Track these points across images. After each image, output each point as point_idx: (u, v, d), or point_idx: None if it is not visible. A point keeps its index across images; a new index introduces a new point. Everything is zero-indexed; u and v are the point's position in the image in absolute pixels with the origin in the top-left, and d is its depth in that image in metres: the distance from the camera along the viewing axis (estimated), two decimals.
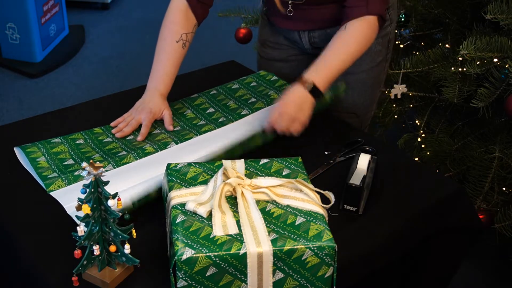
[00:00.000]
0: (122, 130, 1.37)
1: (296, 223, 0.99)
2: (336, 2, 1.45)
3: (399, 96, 2.03)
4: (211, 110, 1.51)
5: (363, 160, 1.22)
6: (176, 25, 1.47)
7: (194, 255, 0.91)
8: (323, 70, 1.37)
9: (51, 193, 1.18)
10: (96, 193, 0.92)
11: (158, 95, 1.41)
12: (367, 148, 1.34)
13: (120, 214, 0.93)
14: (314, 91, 1.34)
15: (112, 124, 1.39)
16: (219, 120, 1.46)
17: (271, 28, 1.68)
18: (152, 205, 1.16)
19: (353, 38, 1.39)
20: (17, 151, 1.30)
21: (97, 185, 0.92)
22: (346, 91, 1.59)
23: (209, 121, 1.46)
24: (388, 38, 1.61)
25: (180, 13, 1.47)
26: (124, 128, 1.37)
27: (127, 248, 0.96)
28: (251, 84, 1.62)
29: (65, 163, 1.27)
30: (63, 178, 1.21)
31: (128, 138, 1.38)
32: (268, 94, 1.56)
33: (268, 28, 1.70)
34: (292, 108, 1.32)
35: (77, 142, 1.34)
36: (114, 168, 1.26)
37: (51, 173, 1.23)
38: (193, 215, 0.99)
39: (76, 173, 1.22)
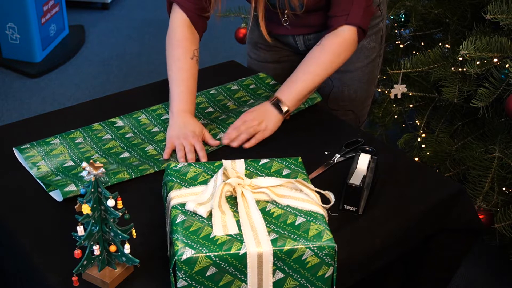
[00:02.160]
0: (188, 158, 1.29)
1: (296, 223, 0.99)
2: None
3: (399, 96, 2.03)
4: (211, 109, 1.51)
5: (363, 160, 1.22)
6: (187, 42, 1.42)
7: (194, 255, 0.91)
8: (291, 87, 1.39)
9: (50, 193, 1.18)
10: (96, 193, 0.92)
11: (190, 117, 1.36)
12: (367, 148, 1.34)
13: (120, 214, 0.93)
14: (277, 105, 1.37)
15: (166, 156, 1.30)
16: (220, 118, 1.46)
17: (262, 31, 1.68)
18: (152, 205, 1.16)
19: (326, 54, 1.39)
20: (16, 152, 1.30)
21: (97, 185, 0.92)
22: (343, 88, 1.60)
23: (209, 120, 1.46)
24: (381, 33, 1.63)
25: (186, 29, 1.43)
26: (187, 155, 1.29)
27: (127, 248, 0.96)
28: (251, 86, 1.62)
29: (65, 165, 1.27)
30: (66, 179, 1.21)
31: (127, 136, 1.38)
32: (268, 97, 1.57)
33: (259, 31, 1.69)
34: (253, 116, 1.36)
35: (76, 141, 1.34)
36: (118, 167, 1.26)
37: (54, 177, 1.22)
38: (193, 215, 0.99)
39: (80, 175, 1.22)
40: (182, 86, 1.39)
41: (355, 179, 1.17)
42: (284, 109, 1.37)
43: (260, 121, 1.36)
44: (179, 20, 1.43)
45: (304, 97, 1.41)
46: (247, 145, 1.34)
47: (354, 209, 1.17)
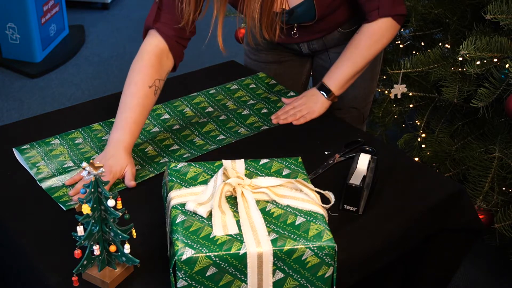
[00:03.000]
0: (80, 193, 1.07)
1: (296, 223, 0.99)
2: (337, 14, 1.48)
3: (399, 96, 2.03)
4: (210, 109, 1.51)
5: (363, 160, 1.22)
6: (151, 69, 1.30)
7: (194, 255, 0.91)
8: (334, 72, 1.48)
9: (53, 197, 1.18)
10: (96, 193, 0.92)
11: (121, 148, 1.23)
12: (367, 148, 1.34)
13: (120, 214, 0.93)
14: (324, 89, 1.48)
15: (67, 182, 1.21)
16: (220, 118, 1.46)
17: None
18: (152, 205, 1.16)
19: (364, 41, 1.45)
20: (16, 153, 1.30)
21: (97, 185, 0.92)
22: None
23: (210, 119, 1.46)
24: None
25: (154, 57, 1.32)
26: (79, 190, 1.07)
27: (127, 248, 0.96)
28: (250, 86, 1.62)
29: (65, 166, 1.27)
30: (67, 186, 1.20)
31: None
32: (267, 97, 1.57)
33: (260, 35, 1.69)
34: (302, 101, 1.49)
35: (76, 141, 1.34)
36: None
37: (55, 181, 1.22)
38: (193, 215, 0.99)
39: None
40: (128, 113, 1.26)
41: (355, 179, 1.17)
42: (329, 92, 1.47)
43: (308, 105, 1.48)
44: (150, 47, 1.34)
45: (348, 81, 1.48)
46: (296, 123, 1.46)
47: (354, 209, 1.17)
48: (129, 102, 1.27)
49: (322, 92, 1.48)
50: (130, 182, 1.21)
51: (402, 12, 1.44)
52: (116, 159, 1.21)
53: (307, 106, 1.48)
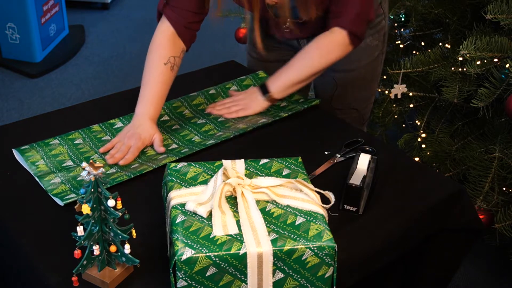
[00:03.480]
0: (114, 157, 1.29)
1: (296, 223, 0.99)
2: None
3: (399, 96, 2.03)
4: None
5: (363, 160, 1.22)
6: (163, 49, 1.42)
7: (194, 255, 0.91)
8: (279, 76, 1.47)
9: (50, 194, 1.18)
10: (96, 193, 0.92)
11: (147, 119, 1.35)
12: (367, 148, 1.34)
13: (120, 214, 0.93)
14: (265, 90, 1.46)
15: (101, 150, 1.32)
16: (219, 120, 1.46)
17: (262, 32, 1.67)
18: (152, 205, 1.16)
19: (315, 50, 1.44)
20: (16, 153, 1.30)
21: (97, 185, 0.92)
22: (346, 87, 1.60)
23: (208, 120, 1.46)
24: (383, 31, 1.63)
25: (166, 39, 1.43)
26: (115, 154, 1.30)
27: (127, 248, 0.96)
28: (250, 86, 1.62)
29: (64, 164, 1.27)
30: (66, 183, 1.21)
31: None
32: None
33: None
34: (241, 97, 1.50)
35: (76, 142, 1.34)
36: (116, 170, 1.26)
37: (54, 177, 1.22)
38: (193, 215, 0.99)
39: (78, 178, 1.22)
40: (148, 89, 1.39)
41: (355, 179, 1.17)
42: (267, 94, 1.46)
43: (245, 102, 1.48)
44: (162, 29, 1.44)
45: (291, 87, 1.46)
46: (227, 116, 1.46)
47: (354, 209, 1.17)
48: (148, 79, 1.40)
49: (261, 92, 1.47)
50: (160, 148, 1.33)
51: (361, 34, 1.42)
52: (144, 128, 1.33)
53: (244, 102, 1.48)
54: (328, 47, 1.43)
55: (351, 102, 1.66)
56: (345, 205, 1.17)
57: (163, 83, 1.40)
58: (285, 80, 1.45)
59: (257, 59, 1.74)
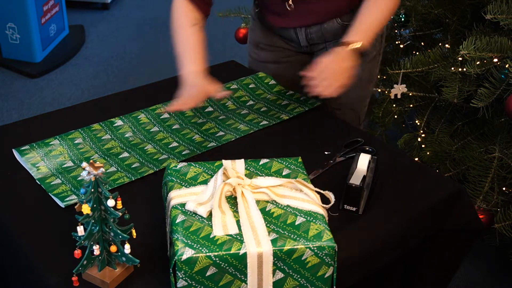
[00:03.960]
0: (181, 108, 1.32)
1: (296, 223, 0.99)
2: None
3: (399, 96, 2.03)
4: (210, 109, 1.51)
5: (363, 160, 1.22)
6: (185, 16, 1.43)
7: (194, 255, 0.91)
8: (364, 30, 1.39)
9: (50, 194, 1.18)
10: (96, 193, 0.92)
11: (198, 76, 1.36)
12: (367, 148, 1.34)
13: (120, 214, 0.93)
14: (359, 50, 1.36)
15: (166, 109, 1.34)
16: (219, 118, 1.46)
17: (263, 30, 1.68)
18: (152, 205, 1.16)
19: (384, 2, 1.41)
20: (16, 153, 1.30)
21: (97, 185, 0.92)
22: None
23: (209, 119, 1.46)
24: (381, 33, 1.62)
25: (186, 8, 1.44)
26: (181, 106, 1.32)
27: (127, 248, 0.96)
28: (250, 86, 1.62)
29: (65, 165, 1.27)
30: (66, 183, 1.21)
31: (126, 135, 1.38)
32: (267, 98, 1.57)
33: (260, 31, 1.69)
34: (335, 66, 1.33)
35: (76, 141, 1.34)
36: (116, 168, 1.26)
37: (54, 179, 1.22)
38: (193, 215, 0.99)
39: (79, 178, 1.22)
40: (187, 49, 1.40)
41: (355, 179, 1.17)
42: (357, 45, 1.36)
43: (336, 74, 1.33)
44: (179, 4, 1.45)
45: (375, 35, 1.42)
46: (326, 93, 1.33)
47: (354, 209, 1.17)
48: (183, 41, 1.40)
49: (354, 51, 1.36)
50: (221, 93, 1.35)
51: None
52: (199, 81, 1.34)
53: (336, 77, 1.34)
54: (388, 2, 1.41)
55: (347, 102, 1.66)
56: (345, 205, 1.17)
57: (199, 43, 1.41)
58: (370, 33, 1.40)
59: (257, 60, 1.74)
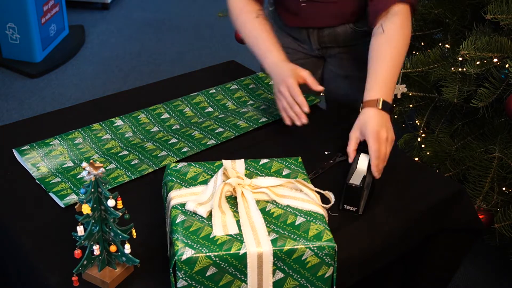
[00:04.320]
0: (290, 115, 1.30)
1: (296, 223, 0.99)
2: None
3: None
4: (210, 109, 1.51)
5: (363, 160, 1.22)
6: (246, 7, 1.44)
7: (194, 255, 0.91)
8: (384, 83, 1.28)
9: (51, 194, 1.18)
10: (96, 193, 0.92)
11: (285, 64, 1.35)
12: (367, 148, 1.34)
13: (120, 214, 0.93)
14: (386, 107, 1.26)
15: (287, 121, 1.33)
16: (219, 117, 1.47)
17: (277, 31, 1.66)
18: (152, 205, 1.16)
19: (395, 39, 1.31)
20: (16, 153, 1.30)
21: (97, 185, 0.92)
22: (356, 93, 1.57)
23: (209, 119, 1.46)
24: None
25: (242, 1, 1.46)
26: (289, 112, 1.30)
27: (127, 248, 0.96)
28: (250, 86, 1.62)
29: (65, 165, 1.27)
30: (66, 181, 1.21)
31: (126, 135, 1.38)
32: (267, 98, 1.57)
33: (274, 32, 1.68)
34: (385, 130, 1.23)
35: (76, 141, 1.34)
36: (116, 165, 1.26)
37: (54, 178, 1.23)
38: (193, 215, 0.99)
39: (78, 177, 1.22)
40: (260, 40, 1.40)
41: (355, 179, 1.17)
42: (390, 108, 1.28)
43: (390, 132, 1.25)
44: None
45: (393, 88, 1.33)
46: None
47: (354, 209, 1.17)
48: (256, 34, 1.41)
49: (386, 111, 1.26)
50: (316, 86, 1.32)
51: (416, 4, 1.35)
52: (289, 68, 1.32)
53: (390, 141, 1.24)
54: (403, 30, 1.32)
55: (352, 104, 1.65)
56: (345, 205, 1.17)
57: (265, 31, 1.41)
58: (390, 84, 1.28)
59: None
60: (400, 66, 1.32)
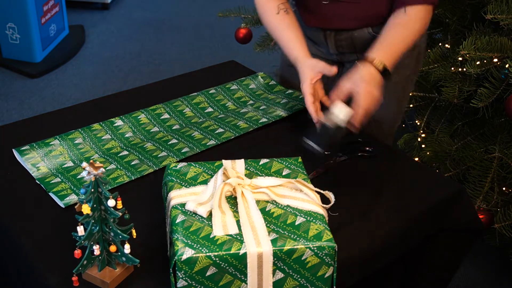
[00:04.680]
0: (318, 110, 1.31)
1: (296, 223, 0.99)
2: None
3: None
4: (210, 109, 1.51)
5: (340, 111, 1.23)
6: (268, 4, 1.45)
7: (194, 255, 0.91)
8: (389, 51, 1.33)
9: (51, 194, 1.18)
10: (96, 193, 0.92)
11: (308, 58, 1.37)
12: (367, 148, 1.34)
13: (120, 214, 0.93)
14: (384, 71, 1.30)
15: (315, 117, 1.31)
16: (219, 117, 1.47)
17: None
18: (152, 205, 1.16)
19: (413, 24, 1.36)
20: (16, 153, 1.30)
21: (97, 185, 0.92)
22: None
23: (209, 119, 1.46)
24: (417, 51, 1.56)
25: None
26: (317, 112, 1.30)
27: (127, 248, 0.96)
28: (250, 86, 1.62)
29: (65, 165, 1.27)
30: (66, 181, 1.21)
31: (126, 135, 1.38)
32: (267, 98, 1.57)
33: (297, 23, 1.64)
34: (377, 94, 1.27)
35: (76, 141, 1.34)
36: (116, 165, 1.26)
37: (54, 178, 1.23)
38: (193, 215, 0.99)
39: (78, 177, 1.22)
40: (285, 35, 1.42)
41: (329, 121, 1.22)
42: (388, 76, 1.31)
43: (376, 98, 1.28)
44: None
45: (398, 60, 1.36)
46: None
47: (316, 146, 1.19)
48: (277, 34, 1.44)
49: (383, 76, 1.30)
50: (332, 70, 1.33)
51: (435, 7, 1.38)
52: (307, 73, 1.34)
53: (377, 101, 1.29)
54: (423, 21, 1.37)
55: (375, 119, 1.55)
56: (307, 140, 1.22)
57: (288, 27, 1.43)
58: (394, 55, 1.33)
59: (286, 63, 1.64)
60: (408, 48, 1.35)
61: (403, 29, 1.36)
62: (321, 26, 1.55)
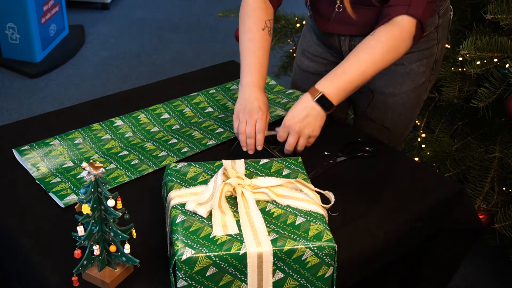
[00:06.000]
0: (248, 144, 1.28)
1: (296, 223, 0.99)
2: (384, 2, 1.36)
3: None
4: (210, 109, 1.51)
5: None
6: (259, 12, 1.37)
7: (194, 255, 0.91)
8: (339, 79, 1.25)
9: (50, 194, 1.18)
10: (96, 193, 0.92)
11: (258, 90, 1.30)
12: (367, 148, 1.34)
13: (120, 214, 0.93)
14: (322, 102, 1.25)
15: (235, 130, 1.30)
16: (219, 117, 1.47)
17: (312, 39, 1.61)
18: (152, 205, 1.16)
19: (379, 44, 1.26)
20: (16, 153, 1.30)
21: (97, 185, 0.92)
22: (386, 110, 1.53)
23: (209, 119, 1.46)
24: (434, 58, 1.49)
25: (258, 1, 1.39)
26: (248, 141, 1.28)
27: (127, 248, 0.96)
28: None
29: (65, 165, 1.27)
30: (65, 181, 1.21)
31: (126, 135, 1.38)
32: (267, 98, 1.57)
33: (309, 38, 1.62)
34: (296, 121, 1.25)
35: (76, 141, 1.34)
36: (116, 165, 1.26)
37: (54, 178, 1.23)
38: (193, 215, 0.99)
39: (78, 177, 1.22)
40: (252, 57, 1.34)
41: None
42: (329, 106, 1.25)
43: (304, 125, 1.26)
44: None
45: (350, 93, 1.27)
46: (299, 149, 1.29)
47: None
48: (249, 47, 1.35)
49: (322, 106, 1.25)
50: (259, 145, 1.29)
51: (425, 25, 1.29)
52: (260, 101, 1.29)
53: (308, 130, 1.27)
54: (395, 40, 1.26)
55: (387, 125, 1.57)
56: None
57: (264, 49, 1.36)
58: (345, 85, 1.25)
59: (301, 68, 1.66)
60: (369, 74, 1.27)
61: (362, 53, 1.27)
62: (335, 32, 1.50)
